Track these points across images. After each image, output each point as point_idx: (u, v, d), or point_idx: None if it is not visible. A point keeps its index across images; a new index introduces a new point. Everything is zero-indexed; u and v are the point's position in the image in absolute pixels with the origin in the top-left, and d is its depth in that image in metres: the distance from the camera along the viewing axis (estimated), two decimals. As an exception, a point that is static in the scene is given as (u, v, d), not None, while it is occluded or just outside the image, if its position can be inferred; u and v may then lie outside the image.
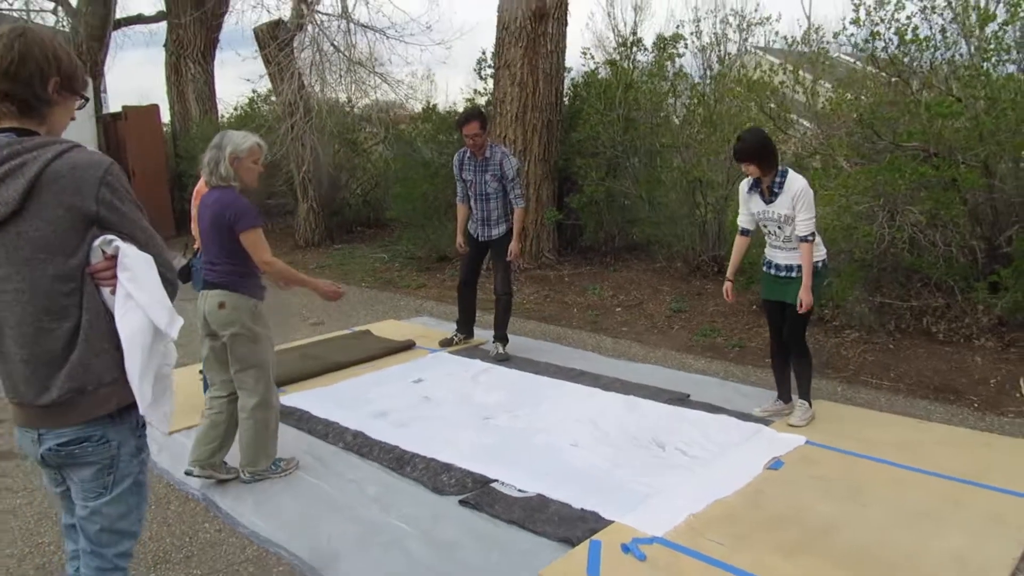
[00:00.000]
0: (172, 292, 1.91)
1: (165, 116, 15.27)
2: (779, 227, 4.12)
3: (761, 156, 4.02)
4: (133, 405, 1.86)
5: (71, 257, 1.78)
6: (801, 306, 4.04)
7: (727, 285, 4.46)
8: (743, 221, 4.34)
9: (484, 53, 9.89)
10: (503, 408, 4.67)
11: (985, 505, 3.28)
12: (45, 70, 1.79)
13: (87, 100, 1.97)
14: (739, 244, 4.41)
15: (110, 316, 1.83)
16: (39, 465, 1.97)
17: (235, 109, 14.30)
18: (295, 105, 10.65)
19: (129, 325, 1.81)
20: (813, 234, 4.03)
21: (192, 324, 3.33)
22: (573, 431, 4.24)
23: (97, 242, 1.80)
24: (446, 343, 6.07)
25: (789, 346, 4.28)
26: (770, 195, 4.10)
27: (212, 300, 3.53)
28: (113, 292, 1.81)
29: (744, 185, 4.27)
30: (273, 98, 12.47)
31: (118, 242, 1.80)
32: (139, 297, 1.80)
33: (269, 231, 13.29)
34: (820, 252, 4.18)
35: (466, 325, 6.14)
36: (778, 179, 4.07)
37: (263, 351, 3.65)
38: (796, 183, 4.01)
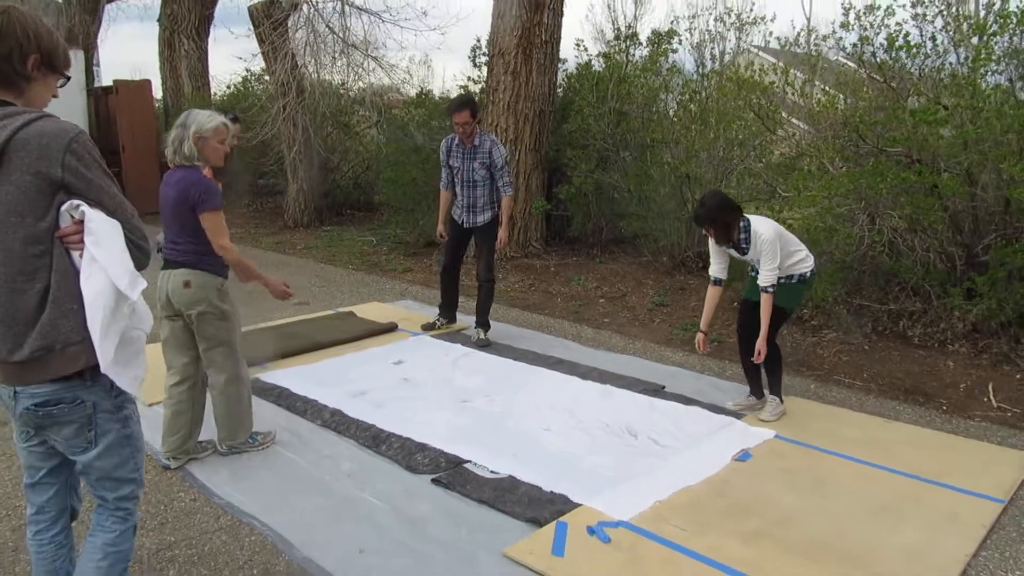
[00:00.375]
0: (144, 258, 2.00)
1: (157, 92, 15.21)
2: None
3: (719, 221, 4.09)
4: None
5: (40, 220, 1.85)
6: (758, 355, 4.13)
7: (700, 337, 4.43)
8: (715, 271, 4.34)
9: (479, 40, 9.91)
10: (481, 392, 4.73)
11: (943, 503, 3.37)
12: (25, 47, 1.86)
13: (68, 79, 2.03)
14: (712, 295, 4.37)
15: (79, 277, 1.90)
16: (13, 420, 2.05)
17: (228, 87, 14.25)
18: (288, 85, 10.64)
19: (92, 286, 1.87)
20: (773, 285, 4.06)
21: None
22: (548, 417, 4.31)
23: (65, 207, 1.87)
24: (428, 327, 6.12)
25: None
26: (740, 248, 4.18)
27: (176, 279, 3.50)
28: (82, 255, 1.89)
29: (714, 243, 4.30)
30: (266, 77, 12.45)
31: (84, 207, 1.87)
32: (102, 260, 1.87)
33: (258, 211, 13.33)
34: (808, 264, 4.25)
35: (448, 310, 6.19)
36: (743, 235, 4.13)
37: (231, 328, 3.65)
38: (760, 235, 4.06)
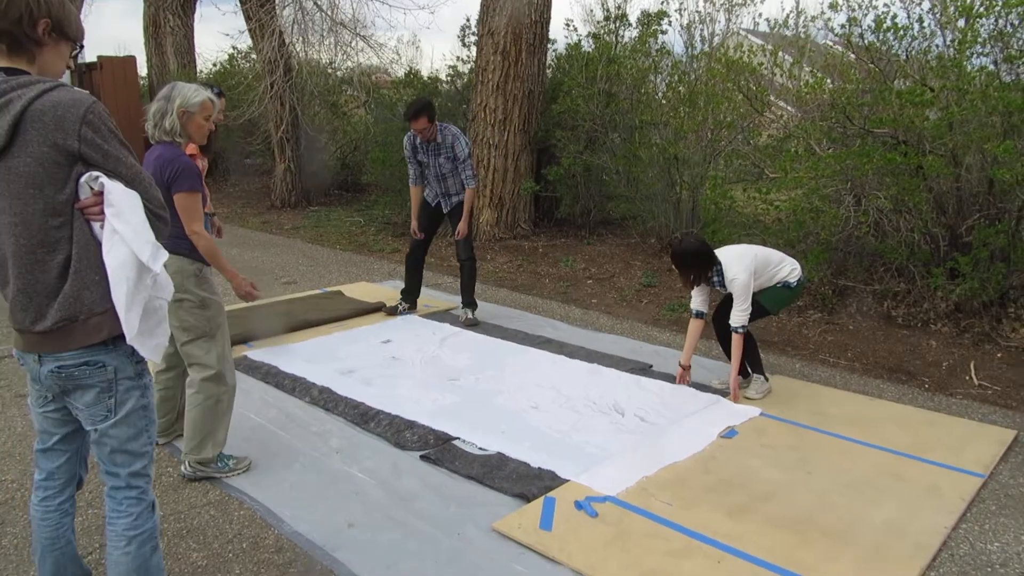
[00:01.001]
0: (163, 227, 2.00)
1: (142, 69, 15.05)
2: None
3: (686, 267, 4.17)
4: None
5: (59, 192, 1.85)
6: (731, 395, 4.23)
7: (680, 372, 4.46)
8: (696, 304, 4.36)
9: (468, 20, 9.86)
10: (468, 370, 4.75)
11: (924, 478, 3.42)
12: (35, 11, 1.85)
13: (81, 47, 2.02)
14: (693, 329, 4.39)
15: (100, 249, 1.91)
16: (35, 384, 2.06)
17: (214, 64, 14.14)
18: (275, 63, 10.55)
19: (114, 259, 1.88)
20: (744, 326, 4.14)
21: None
22: (535, 395, 4.34)
23: (83, 178, 1.87)
24: (391, 311, 6.05)
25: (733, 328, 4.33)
26: (718, 287, 4.26)
27: None
28: (103, 227, 1.89)
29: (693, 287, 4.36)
30: (253, 55, 12.34)
31: (103, 179, 1.87)
32: (123, 232, 1.87)
33: (245, 190, 13.25)
34: (795, 274, 4.30)
35: (411, 295, 6.12)
36: (716, 278, 4.21)
37: (213, 319, 3.31)
38: (732, 280, 4.12)
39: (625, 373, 4.69)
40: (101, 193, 1.87)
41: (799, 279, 4.34)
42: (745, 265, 4.14)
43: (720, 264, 4.19)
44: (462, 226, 5.72)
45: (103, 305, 1.92)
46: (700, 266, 4.18)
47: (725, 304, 4.34)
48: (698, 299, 4.36)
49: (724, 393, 4.38)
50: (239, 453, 3.55)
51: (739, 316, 4.14)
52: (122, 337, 1.94)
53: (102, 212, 1.87)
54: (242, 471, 3.45)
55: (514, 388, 4.44)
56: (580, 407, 4.18)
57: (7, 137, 1.80)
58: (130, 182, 1.92)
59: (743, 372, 4.50)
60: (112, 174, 1.89)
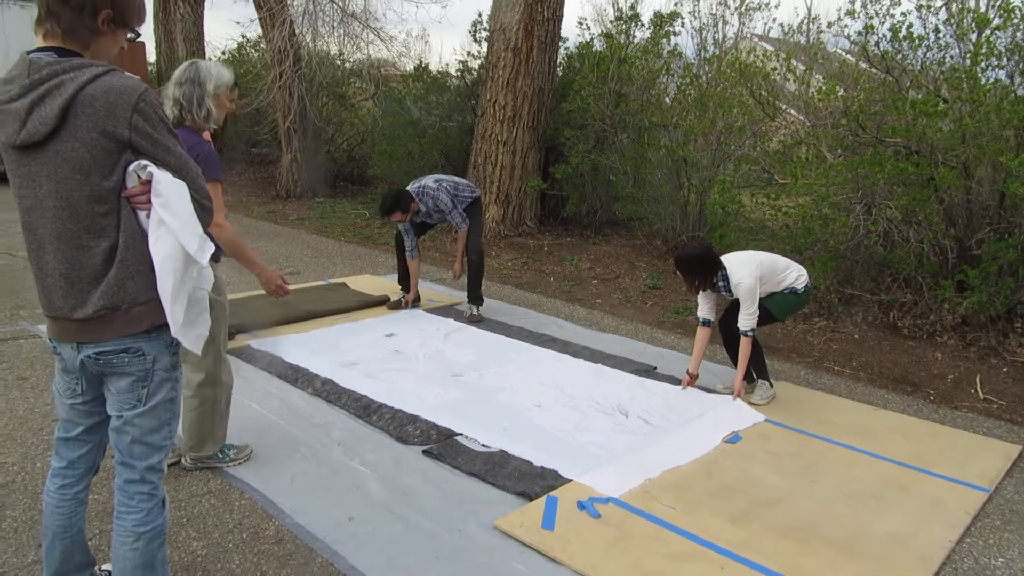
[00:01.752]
0: (207, 218, 1.97)
1: (151, 55, 15.03)
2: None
3: (691, 272, 4.16)
4: (167, 324, 1.93)
5: (106, 179, 1.83)
6: (735, 393, 4.21)
7: (686, 378, 4.44)
8: (703, 312, 4.34)
9: (480, 15, 9.84)
10: (472, 367, 4.73)
11: (928, 490, 3.40)
12: (98, 1, 1.82)
13: (138, 35, 2.02)
14: (701, 337, 4.36)
15: (146, 239, 1.89)
16: (67, 375, 2.04)
17: (223, 53, 14.11)
18: (285, 53, 10.53)
19: (161, 250, 1.86)
20: (753, 329, 4.13)
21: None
22: (539, 393, 4.32)
23: (132, 167, 1.84)
24: (395, 306, 6.03)
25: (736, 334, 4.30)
26: (725, 292, 4.24)
27: None
28: (149, 216, 1.87)
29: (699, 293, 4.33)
30: (263, 44, 12.32)
31: (152, 168, 1.84)
32: (171, 223, 1.85)
33: (251, 179, 13.23)
34: (801, 281, 4.28)
35: (406, 280, 6.09)
36: (722, 283, 4.19)
37: (216, 319, 3.08)
38: (738, 284, 4.10)
39: (629, 375, 4.67)
40: (149, 182, 1.84)
41: (806, 285, 4.31)
42: (750, 270, 4.11)
43: (725, 269, 4.17)
44: (456, 265, 5.98)
45: (147, 295, 1.91)
46: (704, 271, 4.16)
47: (731, 310, 4.32)
48: (704, 307, 4.33)
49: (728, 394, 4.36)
50: (240, 443, 3.52)
51: (747, 320, 4.12)
52: (163, 327, 1.94)
53: (149, 201, 1.85)
54: (243, 461, 3.41)
55: (517, 385, 4.42)
56: (583, 407, 4.16)
57: (57, 120, 1.76)
58: (178, 172, 1.89)
59: (748, 377, 4.47)
60: (161, 163, 1.86)
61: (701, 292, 4.29)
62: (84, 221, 1.84)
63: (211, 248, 1.94)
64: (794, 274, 4.29)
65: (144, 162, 1.84)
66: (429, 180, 5.71)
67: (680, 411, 4.15)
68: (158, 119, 1.85)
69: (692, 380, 4.43)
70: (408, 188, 5.70)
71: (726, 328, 4.38)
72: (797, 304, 4.42)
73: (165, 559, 2.16)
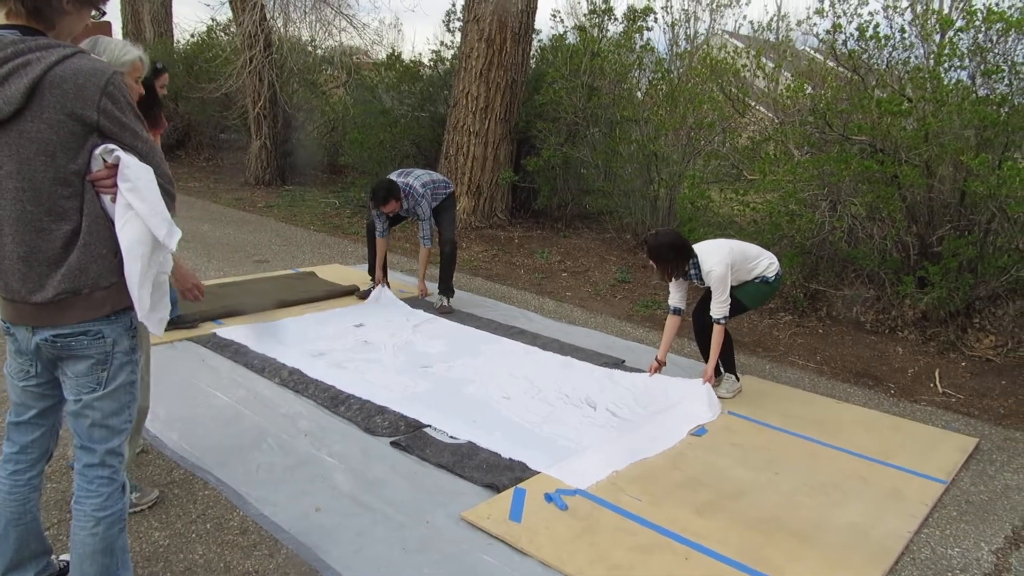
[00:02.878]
0: (171, 202, 1.95)
1: (117, 36, 14.72)
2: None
3: (662, 260, 4.16)
4: (128, 307, 1.94)
5: (71, 162, 1.81)
6: (705, 378, 4.21)
7: (654, 364, 4.46)
8: (674, 301, 4.36)
9: (454, 5, 9.79)
10: (441, 358, 4.72)
11: (888, 481, 3.47)
12: None
13: (103, 13, 2.00)
14: (670, 325, 4.39)
15: (110, 223, 1.87)
16: (19, 356, 2.00)
17: (192, 36, 13.88)
18: (255, 38, 10.38)
19: (129, 235, 1.85)
20: (726, 317, 4.14)
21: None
22: (508, 385, 4.33)
23: (98, 150, 1.83)
24: (364, 296, 5.98)
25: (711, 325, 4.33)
26: (696, 280, 4.26)
27: None
28: (114, 200, 1.85)
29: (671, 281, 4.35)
30: (233, 28, 12.12)
31: (119, 152, 1.83)
32: (139, 208, 1.84)
33: (218, 165, 13.04)
34: (772, 269, 4.31)
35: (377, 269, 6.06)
36: (692, 271, 4.20)
37: (140, 338, 2.84)
38: (709, 272, 4.12)
39: (598, 367, 4.69)
40: (114, 166, 1.83)
41: (777, 274, 4.35)
42: (721, 258, 4.14)
43: (696, 257, 4.19)
44: (420, 285, 5.95)
45: (108, 279, 1.89)
46: (676, 259, 4.17)
47: (704, 302, 4.36)
48: (676, 295, 4.36)
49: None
50: (205, 432, 3.49)
51: (719, 308, 4.15)
52: (123, 310, 1.93)
53: (114, 185, 1.83)
54: (142, 508, 2.93)
55: (486, 377, 4.42)
56: (552, 399, 4.18)
57: (23, 100, 1.73)
58: (144, 156, 1.88)
59: (715, 371, 4.52)
60: (128, 148, 1.85)
61: (672, 281, 4.32)
62: (46, 204, 1.81)
63: (179, 233, 1.93)
64: (765, 262, 4.32)
65: (111, 146, 1.83)
66: (415, 182, 5.64)
67: (647, 403, 4.18)
68: (126, 103, 1.84)
69: (659, 367, 4.46)
70: (395, 179, 5.64)
71: (699, 320, 4.40)
72: (768, 293, 4.46)
73: (125, 546, 2.14)
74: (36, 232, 1.83)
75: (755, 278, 4.31)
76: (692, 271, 4.22)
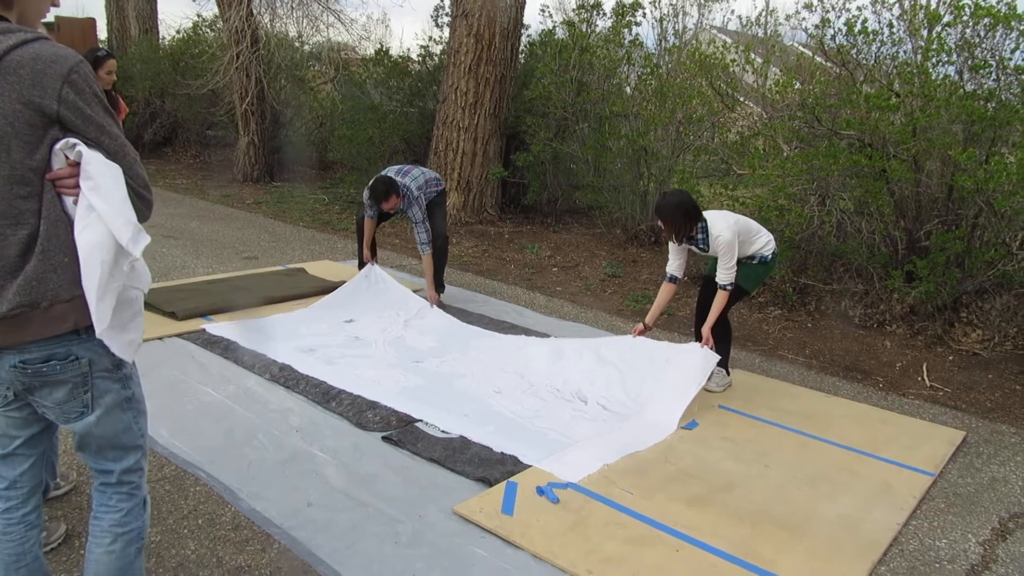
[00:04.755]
0: (146, 209, 1.78)
1: (102, 32, 14.61)
2: None
3: (673, 221, 4.10)
4: None
5: (28, 157, 1.63)
6: (705, 341, 4.16)
7: (640, 327, 4.44)
8: (672, 268, 4.34)
9: (443, 1, 9.75)
10: (432, 353, 4.72)
11: (877, 474, 3.50)
12: None
13: None
14: (665, 291, 4.37)
15: (73, 228, 1.68)
16: None
17: (177, 32, 13.79)
18: (242, 33, 10.32)
19: (89, 239, 1.65)
20: (732, 283, 4.12)
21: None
22: (498, 379, 4.33)
23: (59, 145, 1.65)
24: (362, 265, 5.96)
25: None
26: (700, 248, 4.21)
27: None
28: (76, 203, 1.67)
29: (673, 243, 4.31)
30: (219, 24, 12.05)
31: (81, 147, 1.65)
32: (102, 209, 1.65)
33: (206, 162, 12.97)
34: (769, 247, 4.28)
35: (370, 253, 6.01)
36: (700, 235, 4.15)
37: None
38: (717, 236, 4.09)
39: (587, 351, 4.55)
40: (78, 164, 1.65)
41: (773, 252, 4.33)
42: (729, 225, 4.11)
43: (705, 222, 4.14)
44: (429, 293, 5.65)
45: (71, 292, 1.69)
46: (686, 219, 4.10)
47: (705, 293, 4.33)
48: (674, 263, 4.33)
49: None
50: (196, 429, 3.47)
51: (725, 274, 4.12)
52: (91, 327, 1.72)
53: (77, 186, 1.65)
54: (51, 545, 2.63)
55: (478, 372, 4.42)
56: (543, 394, 4.18)
57: None
58: (113, 155, 1.69)
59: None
60: (93, 143, 1.67)
61: (676, 246, 4.28)
62: (1, 206, 1.63)
63: (146, 239, 1.71)
64: (764, 238, 4.30)
65: (73, 140, 1.65)
66: (412, 184, 5.55)
67: (637, 386, 4.14)
68: (92, 94, 1.67)
69: (644, 330, 4.41)
70: (391, 176, 5.56)
71: (701, 312, 4.36)
72: (765, 273, 4.45)
73: (142, 570, 2.00)
74: None
75: (754, 257, 4.27)
76: (700, 235, 4.15)
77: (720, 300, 4.17)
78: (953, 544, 3.00)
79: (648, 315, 4.47)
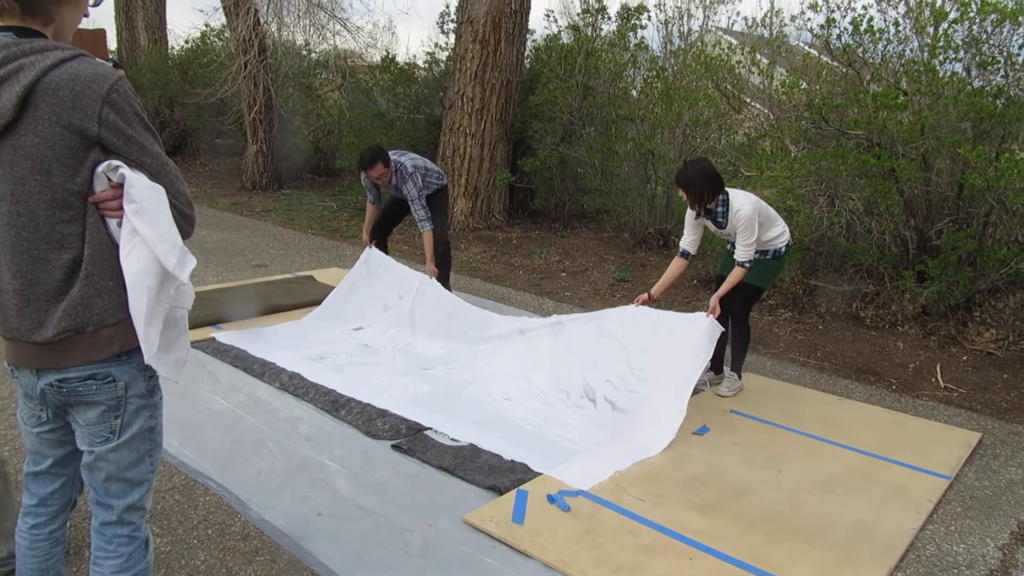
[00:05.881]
0: (188, 227, 1.75)
1: (112, 43, 14.71)
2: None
3: (696, 188, 4.02)
4: (140, 346, 1.71)
5: (70, 181, 1.59)
6: (712, 311, 4.01)
7: (644, 296, 4.33)
8: (685, 243, 4.28)
9: (448, 7, 9.78)
10: (441, 360, 4.70)
11: (892, 478, 3.46)
12: None
13: (98, 1, 1.79)
14: (675, 266, 4.29)
15: (117, 251, 1.65)
16: (29, 401, 1.81)
17: (186, 41, 13.87)
18: (249, 43, 10.36)
19: (134, 264, 1.62)
20: (750, 261, 4.02)
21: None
22: (508, 387, 4.30)
23: (101, 168, 1.61)
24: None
25: (733, 317, 4.27)
26: (718, 222, 4.12)
27: None
28: (120, 225, 1.64)
29: (691, 211, 4.22)
30: (227, 34, 12.11)
31: (124, 169, 1.61)
32: (146, 234, 1.61)
33: (215, 171, 13.03)
34: (784, 238, 4.20)
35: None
36: (720, 208, 4.07)
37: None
38: (737, 211, 4.00)
39: (589, 325, 4.45)
40: (120, 185, 1.61)
41: (787, 243, 4.24)
42: (751, 200, 4.01)
43: (727, 195, 4.05)
44: (430, 267, 5.52)
45: (116, 315, 1.66)
46: (710, 185, 3.99)
47: (729, 297, 4.20)
48: (688, 238, 4.25)
49: (697, 390, 4.24)
50: (205, 438, 3.47)
51: (744, 251, 3.99)
52: (134, 350, 1.71)
53: (120, 208, 1.61)
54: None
55: (487, 379, 4.40)
56: (552, 400, 4.16)
57: (14, 111, 1.52)
58: (155, 174, 1.66)
59: (717, 368, 4.50)
60: (135, 164, 1.63)
61: (693, 220, 4.19)
62: (43, 230, 1.60)
63: (192, 262, 1.69)
64: (780, 227, 4.21)
65: (115, 162, 1.61)
66: (407, 161, 5.55)
67: (645, 376, 4.03)
68: (132, 113, 1.62)
69: (648, 300, 4.30)
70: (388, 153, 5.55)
71: (721, 320, 4.16)
72: (779, 268, 4.36)
73: None
74: (34, 262, 1.61)
75: (767, 251, 4.18)
76: (720, 208, 4.06)
77: (736, 275, 4.04)
78: (971, 549, 2.96)
79: (655, 287, 4.33)
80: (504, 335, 4.85)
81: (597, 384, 4.16)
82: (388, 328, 5.26)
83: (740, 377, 4.43)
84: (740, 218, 3.99)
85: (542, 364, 4.43)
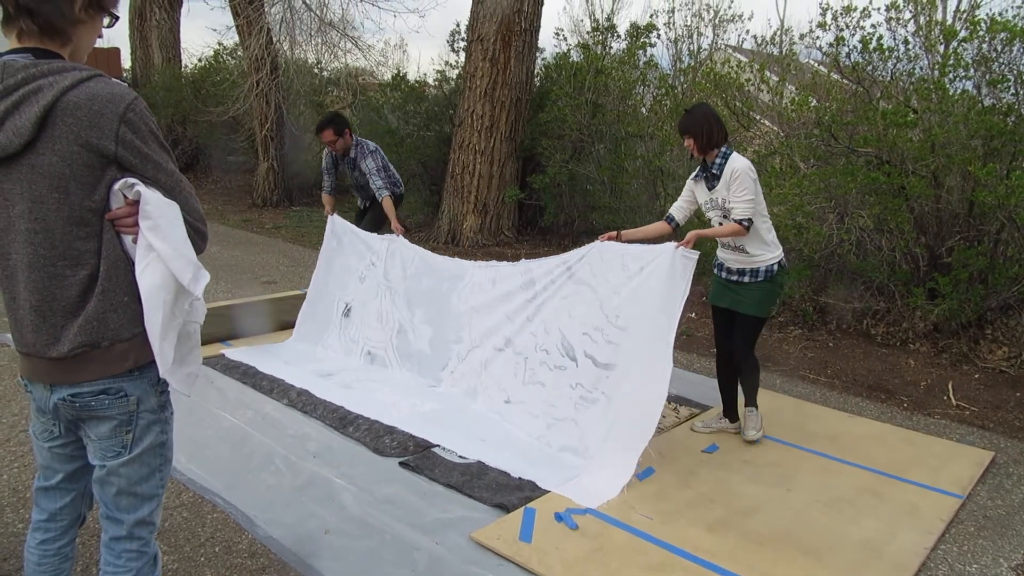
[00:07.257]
0: (202, 243, 1.77)
1: (126, 61, 14.91)
2: (724, 217, 3.76)
3: (700, 129, 3.73)
4: (153, 361, 1.74)
5: (87, 198, 1.62)
6: (683, 242, 3.61)
7: (613, 232, 4.01)
8: (675, 210, 4.00)
9: (458, 26, 9.86)
10: (424, 320, 4.74)
11: (903, 497, 3.43)
12: None
13: (117, 18, 1.79)
14: (657, 226, 4.02)
15: (131, 266, 1.69)
16: (42, 415, 1.83)
17: (199, 60, 14.02)
18: (262, 61, 10.47)
19: (150, 280, 1.66)
20: (750, 220, 3.66)
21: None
22: (507, 385, 4.19)
23: (117, 185, 1.64)
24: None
25: (736, 356, 3.96)
26: (711, 180, 3.80)
27: None
28: (135, 241, 1.67)
29: (692, 175, 3.99)
30: (240, 52, 12.25)
31: (140, 187, 1.64)
32: (161, 249, 1.65)
33: (227, 187, 13.13)
34: (776, 253, 3.84)
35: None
36: (718, 160, 3.75)
37: None
38: (735, 167, 3.68)
39: (558, 273, 4.20)
40: (136, 203, 1.64)
41: (780, 262, 3.86)
42: (749, 165, 3.72)
43: (730, 150, 3.77)
44: (394, 225, 5.48)
45: (130, 330, 1.70)
46: (715, 126, 3.73)
47: (720, 328, 4.04)
48: (679, 204, 3.99)
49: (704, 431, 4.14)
50: (213, 454, 3.48)
51: (742, 208, 3.65)
52: (147, 365, 1.74)
53: (136, 224, 1.65)
54: None
55: (489, 384, 4.25)
56: (536, 367, 4.02)
57: (34, 130, 1.55)
58: (170, 191, 1.69)
59: (731, 417, 4.15)
60: (150, 181, 1.66)
61: (691, 185, 3.93)
62: (60, 247, 1.62)
63: (206, 277, 1.72)
64: (770, 236, 3.86)
65: (131, 180, 1.64)
66: (370, 143, 5.81)
67: (616, 311, 3.81)
68: (148, 131, 1.66)
69: (614, 237, 3.98)
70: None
71: (725, 352, 4.04)
72: (776, 293, 3.97)
73: None
74: (50, 278, 1.63)
75: (760, 268, 3.82)
76: (719, 160, 3.76)
77: (729, 228, 3.69)
78: (984, 569, 2.92)
79: (627, 232, 4.03)
80: (482, 305, 4.57)
81: (575, 339, 3.95)
82: (370, 300, 5.11)
83: (757, 407, 4.07)
84: (736, 170, 3.66)
85: (518, 318, 4.23)
